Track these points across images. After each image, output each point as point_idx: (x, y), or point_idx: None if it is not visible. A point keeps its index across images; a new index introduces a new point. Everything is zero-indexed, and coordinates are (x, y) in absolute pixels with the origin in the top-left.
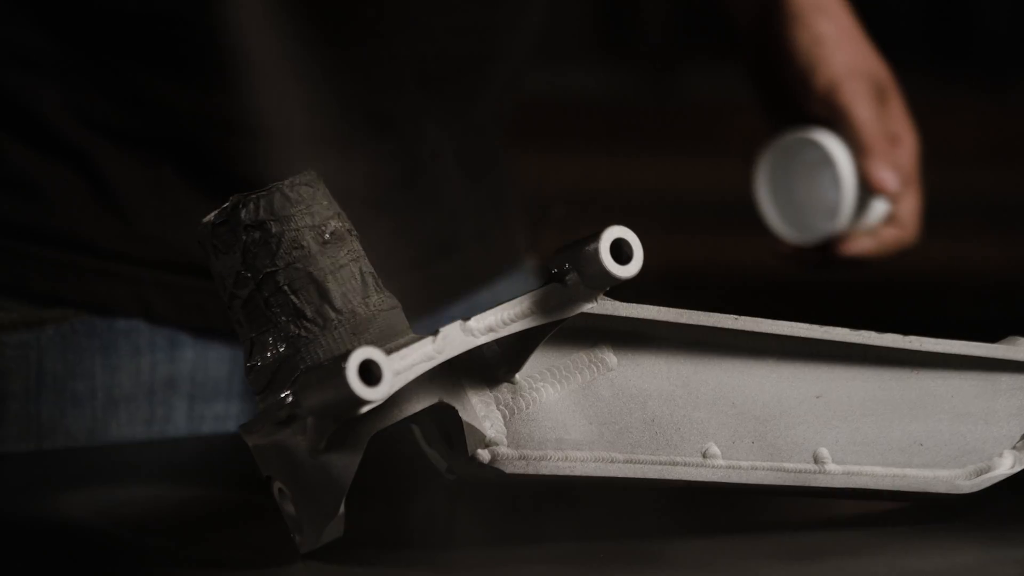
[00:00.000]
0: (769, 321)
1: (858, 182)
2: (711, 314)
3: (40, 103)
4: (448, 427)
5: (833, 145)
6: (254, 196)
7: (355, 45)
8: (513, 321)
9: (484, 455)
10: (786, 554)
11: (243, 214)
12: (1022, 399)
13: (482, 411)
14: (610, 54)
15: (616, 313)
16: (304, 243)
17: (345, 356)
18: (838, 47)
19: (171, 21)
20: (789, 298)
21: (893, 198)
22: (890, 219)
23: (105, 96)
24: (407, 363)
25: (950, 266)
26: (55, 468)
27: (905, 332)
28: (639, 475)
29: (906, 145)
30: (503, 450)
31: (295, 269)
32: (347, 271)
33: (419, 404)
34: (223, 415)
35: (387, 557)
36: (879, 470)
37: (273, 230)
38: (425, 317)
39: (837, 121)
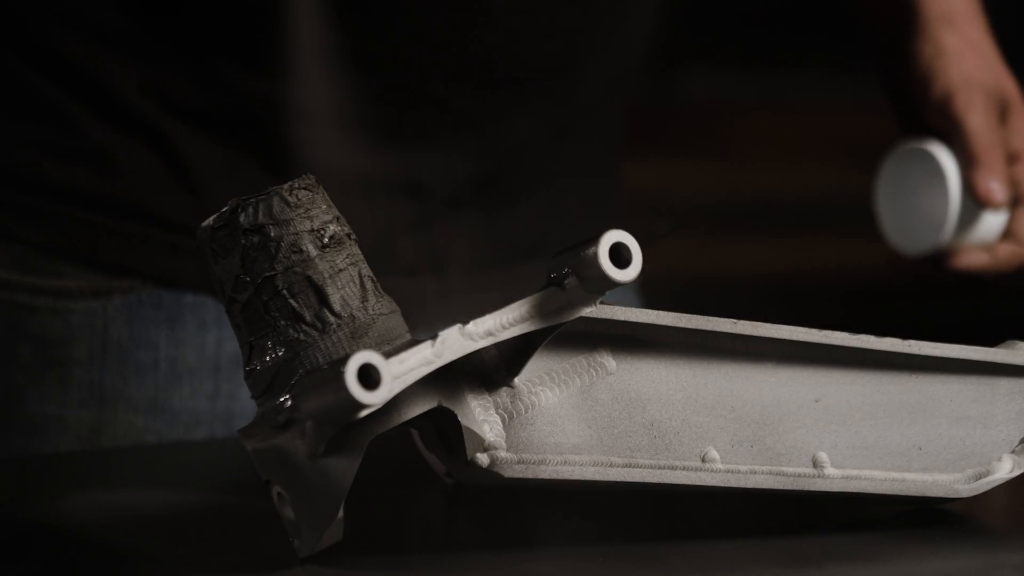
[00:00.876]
0: (768, 325)
1: (967, 195)
2: (710, 318)
3: (120, 81)
4: (447, 431)
5: (943, 156)
6: (253, 200)
7: (425, 40)
8: (512, 325)
9: (483, 459)
10: (785, 559)
11: (242, 218)
12: (1021, 403)
13: (481, 415)
14: None
15: (615, 317)
16: (303, 247)
17: (344, 360)
18: (960, 58)
19: (244, 10)
20: (788, 302)
21: (1005, 211)
22: (1007, 234)
23: (182, 78)
24: (406, 367)
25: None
26: (54, 472)
27: (904, 336)
28: (638, 479)
29: None
30: (502, 454)
31: (294, 273)
32: (346, 275)
33: (418, 408)
34: (192, 394)
35: (386, 561)
36: (878, 474)
37: (272, 234)
38: None
39: (951, 132)
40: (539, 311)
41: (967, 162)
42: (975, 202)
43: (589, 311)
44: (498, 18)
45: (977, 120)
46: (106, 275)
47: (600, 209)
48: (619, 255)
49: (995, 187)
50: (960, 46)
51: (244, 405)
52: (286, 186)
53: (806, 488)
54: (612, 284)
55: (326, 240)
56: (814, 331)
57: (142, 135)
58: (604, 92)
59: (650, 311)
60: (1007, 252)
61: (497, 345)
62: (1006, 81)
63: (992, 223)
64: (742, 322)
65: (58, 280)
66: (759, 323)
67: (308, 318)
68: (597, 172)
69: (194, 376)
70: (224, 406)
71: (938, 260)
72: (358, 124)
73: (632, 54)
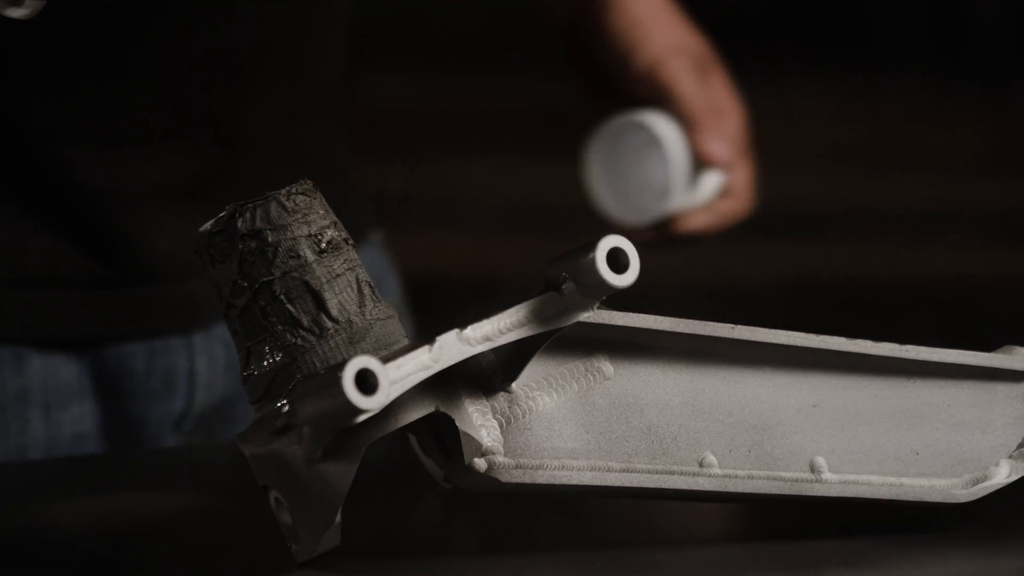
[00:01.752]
0: (765, 330)
1: (689, 157)
2: (708, 323)
3: None
4: (444, 436)
5: (659, 123)
6: (250, 205)
7: (160, 41)
8: (510, 330)
9: (480, 464)
10: (782, 564)
11: (239, 223)
12: (1019, 408)
13: (478, 420)
14: None
15: (612, 322)
16: (301, 252)
17: (341, 365)
18: (655, 27)
19: None
20: (786, 306)
21: (725, 169)
22: (724, 192)
23: None
24: (403, 372)
25: (949, 274)
26: (45, 477)
27: (902, 341)
28: (635, 484)
29: (732, 116)
30: (499, 459)
31: (291, 278)
32: (344, 280)
33: (415, 413)
34: (80, 416)
35: (383, 566)
36: (875, 479)
37: (269, 239)
38: None
39: (662, 99)
40: (537, 316)
41: (686, 126)
42: (697, 164)
43: (587, 316)
44: (222, 11)
45: (687, 84)
46: None
47: (337, 189)
48: (617, 260)
49: (718, 147)
50: (652, 15)
51: (36, 437)
52: (284, 191)
53: (803, 493)
54: (610, 289)
55: (323, 245)
56: (811, 336)
57: None
58: (326, 76)
59: (648, 316)
60: (727, 208)
61: (495, 350)
62: (700, 42)
63: (712, 182)
64: (740, 327)
65: None
66: (756, 328)
67: (306, 323)
68: (326, 155)
69: None
70: (15, 443)
71: (664, 227)
72: (106, 134)
73: (340, 35)
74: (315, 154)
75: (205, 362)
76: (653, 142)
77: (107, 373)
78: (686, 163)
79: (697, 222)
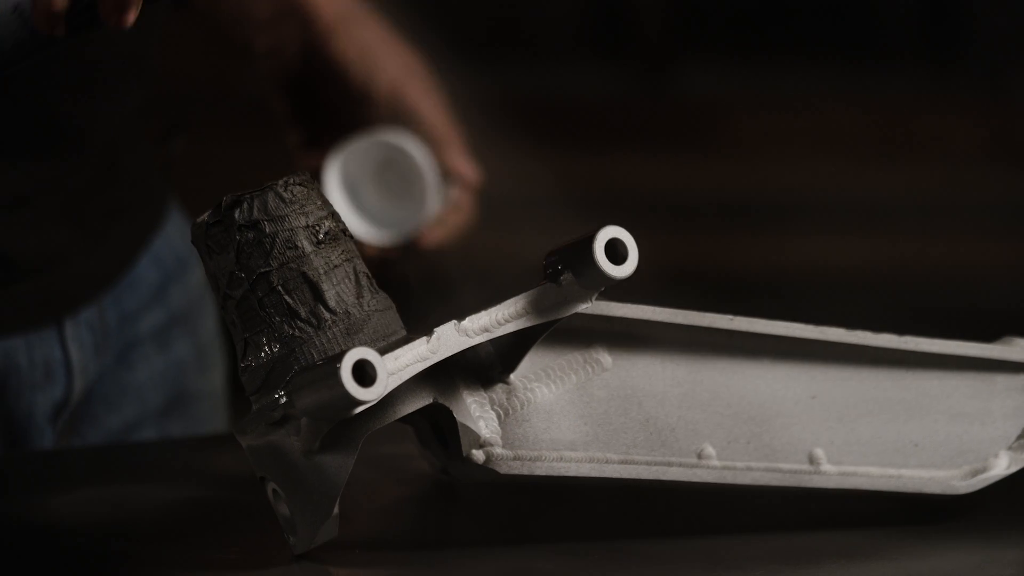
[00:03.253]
0: (764, 321)
1: (434, 175)
2: (706, 314)
3: None
4: (442, 427)
5: (410, 142)
6: (248, 196)
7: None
8: (508, 321)
9: (479, 455)
10: (782, 555)
11: (237, 214)
12: (1018, 399)
13: (476, 411)
14: (603, 52)
15: (611, 313)
16: (298, 243)
17: (339, 356)
18: (386, 52)
19: None
20: (785, 297)
21: (463, 184)
22: (452, 205)
23: None
24: (401, 363)
25: (948, 265)
26: (42, 469)
27: (903, 332)
28: (634, 476)
29: (460, 134)
30: (498, 451)
31: (289, 269)
32: (341, 271)
33: (413, 404)
34: None
35: (381, 558)
36: (874, 471)
37: (267, 230)
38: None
39: (407, 121)
40: (535, 307)
41: (435, 144)
42: (444, 181)
43: (585, 307)
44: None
45: (430, 104)
46: None
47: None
48: (615, 251)
49: (464, 163)
50: (379, 40)
51: None
52: (281, 182)
53: (802, 484)
54: (608, 280)
55: (321, 236)
56: (810, 327)
57: None
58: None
59: (646, 307)
60: (456, 221)
61: (492, 341)
62: (424, 63)
63: (447, 198)
64: (738, 318)
65: None
66: (755, 319)
67: (303, 314)
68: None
69: None
70: None
71: (410, 243)
72: None
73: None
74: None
75: (76, 348)
76: (402, 159)
77: None
78: (436, 179)
79: (438, 236)
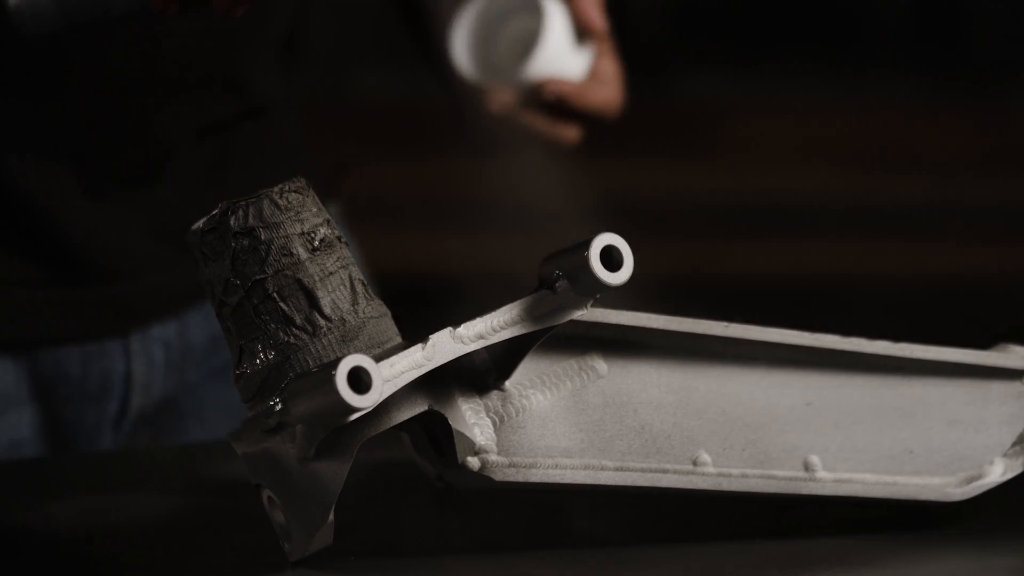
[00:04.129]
0: (759, 328)
1: (567, 22)
2: (701, 321)
3: None
4: (437, 435)
5: None
6: (243, 203)
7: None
8: (503, 328)
9: (474, 463)
10: (777, 562)
11: (232, 221)
12: (1013, 407)
13: (472, 418)
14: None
15: (606, 320)
16: (293, 250)
17: (335, 363)
18: None
19: None
20: (780, 304)
21: (598, 46)
22: (594, 75)
23: None
24: (396, 370)
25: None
26: (38, 476)
27: (898, 339)
28: (629, 483)
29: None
30: (493, 458)
31: (284, 276)
32: (336, 278)
33: (408, 411)
34: (16, 423)
35: (376, 565)
36: (870, 477)
37: (262, 237)
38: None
39: None
40: (530, 314)
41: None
42: (574, 34)
43: (580, 314)
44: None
45: None
46: None
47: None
48: (610, 258)
49: (597, 15)
50: None
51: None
52: (276, 189)
53: (798, 491)
54: (603, 287)
55: (316, 243)
56: (805, 334)
57: None
58: (265, 80)
59: (641, 314)
60: (598, 93)
61: (488, 348)
62: None
63: (584, 57)
64: (733, 325)
65: None
66: (750, 326)
67: (298, 321)
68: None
69: None
70: None
71: (533, 91)
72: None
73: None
74: (238, 161)
75: (142, 364)
76: (534, 6)
77: (43, 378)
78: (565, 25)
79: (567, 90)
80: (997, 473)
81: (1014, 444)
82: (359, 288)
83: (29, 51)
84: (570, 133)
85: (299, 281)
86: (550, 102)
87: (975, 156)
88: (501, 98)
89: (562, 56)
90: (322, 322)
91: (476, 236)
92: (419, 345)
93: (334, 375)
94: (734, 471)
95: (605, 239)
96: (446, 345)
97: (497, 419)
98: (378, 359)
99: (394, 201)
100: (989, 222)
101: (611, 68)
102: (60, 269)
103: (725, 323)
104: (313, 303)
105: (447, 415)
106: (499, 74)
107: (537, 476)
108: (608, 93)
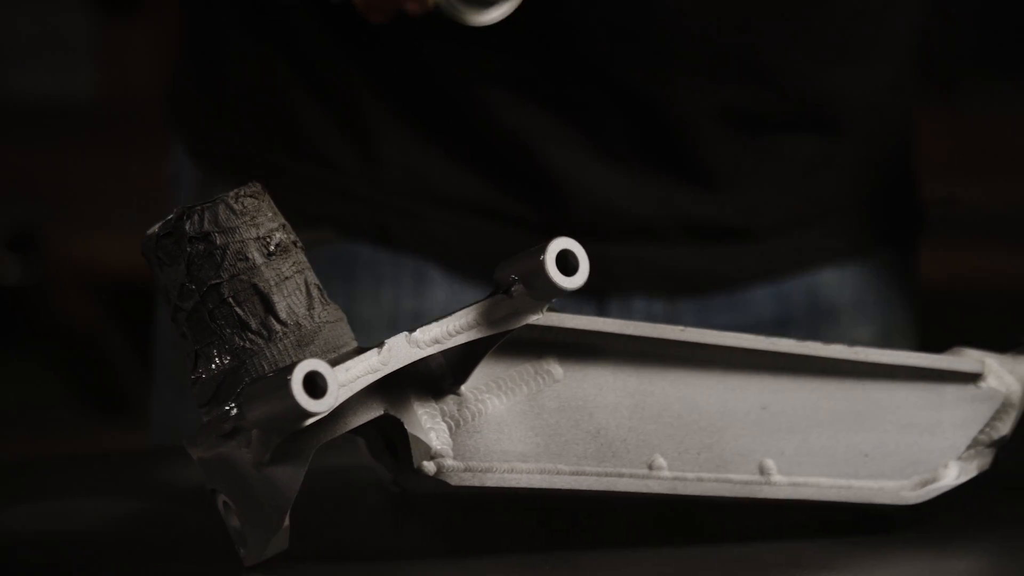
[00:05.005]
0: (715, 332)
1: None
2: (657, 325)
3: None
4: (393, 439)
5: None
6: (199, 208)
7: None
8: (458, 333)
9: (430, 467)
10: (732, 566)
11: (187, 226)
12: (967, 410)
13: (428, 423)
14: None
15: (562, 324)
16: (249, 255)
17: (290, 368)
18: None
19: None
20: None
21: None
22: None
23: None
24: (352, 375)
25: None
26: None
27: (851, 342)
28: (585, 487)
29: None
30: (449, 462)
31: (240, 281)
32: (292, 283)
33: (364, 416)
34: None
35: (332, 570)
36: (825, 481)
37: (218, 242)
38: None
39: None
40: (486, 318)
41: None
42: None
43: (536, 318)
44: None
45: None
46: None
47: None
48: (566, 262)
49: None
50: None
51: None
52: (232, 193)
53: (753, 495)
54: (559, 292)
55: (272, 248)
56: (761, 338)
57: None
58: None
59: (597, 318)
60: None
61: (444, 353)
62: None
63: None
64: (689, 329)
65: None
66: (706, 330)
67: (254, 326)
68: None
69: (369, 330)
70: None
71: None
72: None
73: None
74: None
75: None
76: None
77: None
78: None
79: None
80: (952, 476)
81: (968, 447)
82: (315, 293)
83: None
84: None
85: (255, 286)
86: None
87: (939, 159)
88: None
89: None
90: (278, 327)
91: None
92: (375, 349)
93: (290, 380)
94: (690, 475)
95: (561, 244)
96: (402, 350)
97: (453, 423)
98: (334, 364)
99: None
100: (951, 225)
101: None
102: (549, 212)
103: (681, 327)
104: (269, 308)
105: (403, 419)
106: None
107: (493, 480)
108: None
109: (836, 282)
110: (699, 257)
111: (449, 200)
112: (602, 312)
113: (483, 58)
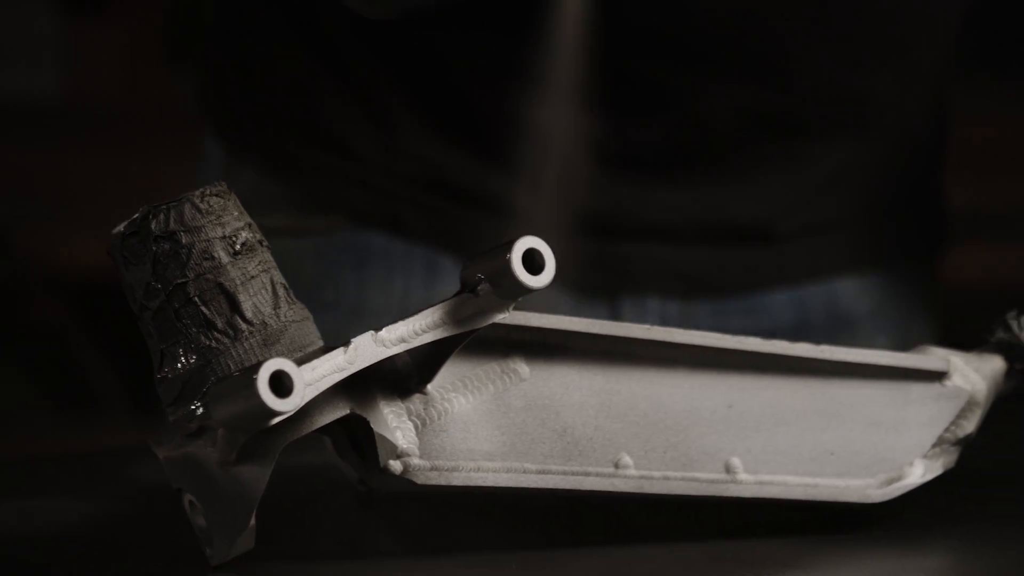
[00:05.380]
0: (681, 331)
1: None
2: (623, 324)
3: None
4: (360, 438)
5: None
6: (164, 207)
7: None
8: (424, 332)
9: (396, 466)
10: (699, 565)
11: (153, 225)
12: (932, 408)
13: (394, 422)
14: None
15: (528, 323)
16: (214, 254)
17: (256, 367)
18: None
19: None
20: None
21: None
22: None
23: None
24: (318, 374)
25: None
26: None
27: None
28: (551, 485)
29: None
30: (415, 461)
31: (205, 280)
32: (258, 282)
33: (330, 415)
34: None
35: (298, 569)
36: (791, 479)
37: (183, 241)
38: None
39: None
40: (452, 317)
41: None
42: None
43: (502, 317)
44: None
45: None
46: (300, 213)
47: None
48: (532, 261)
49: None
50: None
51: None
52: (197, 192)
53: (719, 494)
54: (525, 290)
55: (238, 247)
56: (727, 336)
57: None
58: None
59: (563, 317)
60: None
61: (410, 351)
62: None
63: None
64: (655, 328)
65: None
66: (672, 329)
67: (220, 325)
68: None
69: (379, 318)
70: None
71: None
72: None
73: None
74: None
75: None
76: None
77: None
78: None
79: None
80: (917, 475)
81: (934, 445)
82: (281, 292)
83: None
84: None
85: (220, 285)
86: None
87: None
88: None
89: None
90: (244, 326)
91: None
92: (341, 349)
93: (255, 379)
94: (656, 474)
95: (527, 242)
96: (368, 348)
97: (419, 422)
98: (300, 363)
99: None
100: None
101: None
102: None
103: (647, 326)
104: (234, 307)
105: (369, 418)
106: None
107: (459, 479)
108: None
109: (856, 290)
110: (714, 258)
111: (464, 193)
112: (615, 313)
113: (502, 54)
